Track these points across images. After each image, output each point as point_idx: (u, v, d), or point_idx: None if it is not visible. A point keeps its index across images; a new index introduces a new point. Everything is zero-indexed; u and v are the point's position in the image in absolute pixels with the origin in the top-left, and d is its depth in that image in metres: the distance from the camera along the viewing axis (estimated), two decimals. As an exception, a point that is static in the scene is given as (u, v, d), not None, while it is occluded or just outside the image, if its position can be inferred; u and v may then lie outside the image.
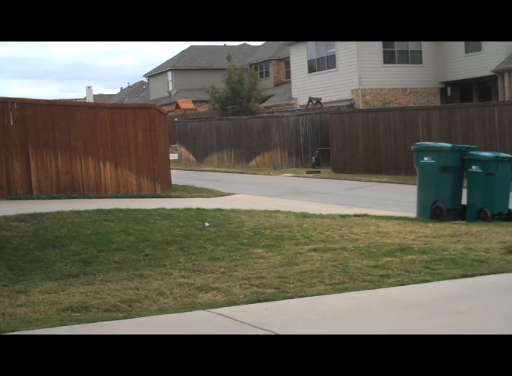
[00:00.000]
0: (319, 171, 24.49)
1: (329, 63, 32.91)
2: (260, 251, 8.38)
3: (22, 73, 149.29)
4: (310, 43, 33.57)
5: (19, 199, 13.28)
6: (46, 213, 10.02)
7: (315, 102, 31.11)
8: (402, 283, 6.49)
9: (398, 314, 5.26)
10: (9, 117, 13.83)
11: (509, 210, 11.90)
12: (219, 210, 11.40)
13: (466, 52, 30.68)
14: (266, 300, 5.84)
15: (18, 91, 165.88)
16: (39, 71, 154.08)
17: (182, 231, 9.31)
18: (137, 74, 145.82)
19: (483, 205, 11.77)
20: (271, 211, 11.65)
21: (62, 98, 60.49)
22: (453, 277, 6.72)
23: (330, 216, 11.44)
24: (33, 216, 9.75)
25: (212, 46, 52.32)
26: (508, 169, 11.87)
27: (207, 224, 9.74)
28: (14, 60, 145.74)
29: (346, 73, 31.65)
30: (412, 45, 31.72)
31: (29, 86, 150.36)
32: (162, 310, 5.63)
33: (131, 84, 75.17)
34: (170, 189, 17.21)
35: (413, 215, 12.25)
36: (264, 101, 40.35)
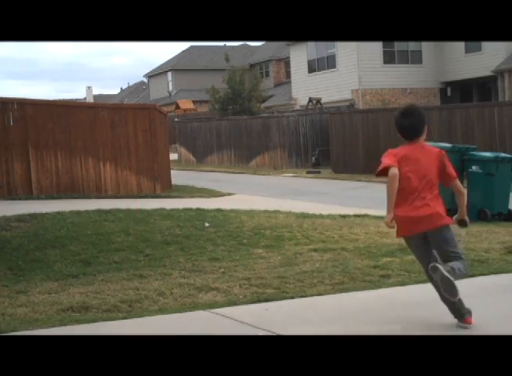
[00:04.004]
0: (319, 172, 24.49)
1: (329, 63, 32.91)
2: (260, 251, 8.38)
3: (17, 73, 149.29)
4: (310, 43, 33.55)
5: (20, 199, 13.27)
6: (46, 213, 10.02)
7: (315, 102, 31.10)
8: (402, 284, 6.49)
9: (398, 314, 5.26)
10: (9, 117, 13.82)
11: (509, 210, 11.88)
12: (219, 210, 11.39)
13: (466, 52, 30.67)
14: (266, 300, 5.83)
15: (13, 91, 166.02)
16: (34, 71, 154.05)
17: (182, 231, 9.31)
18: (135, 75, 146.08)
19: (483, 205, 11.75)
20: (271, 212, 11.64)
21: (57, 98, 60.38)
22: (453, 277, 6.71)
23: (330, 216, 11.44)
24: (33, 216, 9.75)
25: (212, 46, 52.29)
26: (508, 169, 11.86)
27: (207, 224, 9.74)
28: (9, 60, 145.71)
29: (346, 73, 31.65)
30: (412, 45, 31.71)
31: (24, 86, 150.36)
32: (162, 310, 5.63)
33: (131, 84, 75.24)
34: (170, 190, 17.20)
35: (413, 215, 12.22)
36: (264, 101, 40.34)
